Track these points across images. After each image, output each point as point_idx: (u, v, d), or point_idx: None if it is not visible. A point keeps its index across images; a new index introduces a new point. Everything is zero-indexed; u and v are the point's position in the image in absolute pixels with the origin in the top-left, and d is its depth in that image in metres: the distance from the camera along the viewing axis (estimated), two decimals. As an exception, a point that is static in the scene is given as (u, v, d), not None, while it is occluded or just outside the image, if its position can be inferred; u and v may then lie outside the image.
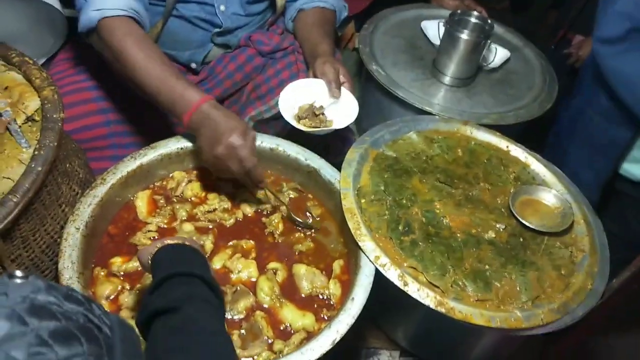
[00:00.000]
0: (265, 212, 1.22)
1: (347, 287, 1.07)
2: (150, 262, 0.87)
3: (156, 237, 1.13)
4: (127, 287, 1.04)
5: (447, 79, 1.54)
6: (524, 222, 1.16)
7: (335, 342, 0.91)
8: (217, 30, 1.46)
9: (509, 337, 1.14)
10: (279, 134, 1.61)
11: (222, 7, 1.44)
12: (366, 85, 1.69)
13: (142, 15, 1.22)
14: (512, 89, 1.58)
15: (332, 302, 1.07)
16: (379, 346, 1.30)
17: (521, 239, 1.15)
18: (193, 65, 1.50)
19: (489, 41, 1.48)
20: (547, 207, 1.22)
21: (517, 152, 1.35)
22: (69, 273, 0.95)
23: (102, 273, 1.06)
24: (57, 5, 1.56)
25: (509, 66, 1.67)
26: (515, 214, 1.18)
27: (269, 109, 1.56)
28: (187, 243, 0.90)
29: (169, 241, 0.89)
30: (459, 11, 1.52)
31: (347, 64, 1.93)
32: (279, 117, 1.58)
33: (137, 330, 0.78)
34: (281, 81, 1.52)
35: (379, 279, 1.01)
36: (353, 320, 0.95)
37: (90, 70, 1.44)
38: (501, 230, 1.16)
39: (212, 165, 1.13)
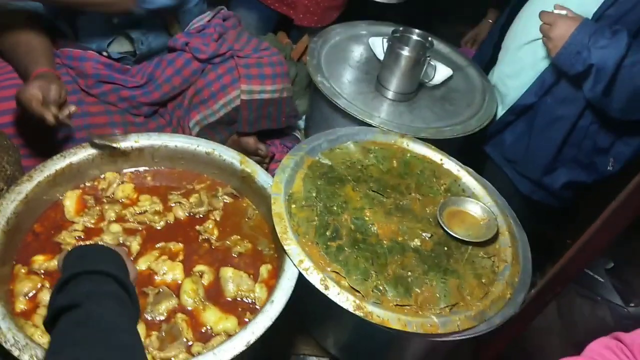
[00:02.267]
0: (198, 217, 1.22)
1: (273, 291, 1.08)
2: (62, 263, 0.85)
3: (82, 237, 1.12)
4: (47, 285, 1.03)
5: (389, 94, 1.59)
6: (449, 231, 1.20)
7: (250, 343, 0.91)
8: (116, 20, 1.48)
9: (436, 345, 1.16)
10: (225, 140, 1.63)
11: None
12: (313, 97, 1.72)
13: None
14: (452, 106, 1.63)
15: (257, 306, 1.08)
16: (309, 352, 1.31)
17: (445, 248, 1.19)
18: (104, 54, 1.50)
19: (428, 58, 1.53)
20: (473, 218, 1.26)
21: (450, 165, 1.39)
22: (-18, 268, 0.93)
23: (23, 270, 1.04)
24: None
25: (451, 84, 1.73)
26: (442, 224, 1.21)
27: (213, 114, 1.58)
28: (105, 245, 0.89)
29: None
30: (400, 28, 1.57)
31: (299, 75, 1.96)
32: (225, 122, 1.61)
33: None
34: (223, 86, 1.54)
35: (308, 286, 1.02)
36: (270, 322, 0.95)
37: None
38: (427, 238, 1.19)
39: (22, 100, 1.20)
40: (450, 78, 1.73)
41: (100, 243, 0.91)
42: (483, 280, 1.14)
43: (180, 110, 1.61)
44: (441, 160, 1.40)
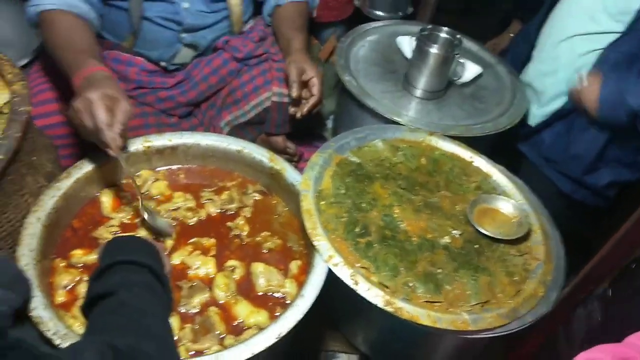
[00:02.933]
0: (229, 213, 1.25)
1: (303, 286, 1.09)
2: (101, 252, 0.89)
3: (118, 232, 1.16)
4: (85, 278, 1.06)
5: (417, 92, 1.58)
6: (479, 229, 1.19)
7: (281, 335, 0.93)
8: (182, 28, 1.51)
9: (466, 343, 1.15)
10: (254, 139, 1.65)
11: (186, 4, 1.48)
12: (341, 96, 1.73)
13: (80, 8, 1.28)
14: (481, 104, 1.61)
15: (287, 301, 1.09)
16: (338, 349, 1.31)
17: (476, 246, 1.18)
18: (163, 64, 1.54)
19: (457, 55, 1.52)
20: (504, 215, 1.24)
21: (480, 162, 1.38)
22: (25, 260, 0.97)
23: (62, 264, 1.08)
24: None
25: (481, 82, 1.71)
26: (472, 221, 1.20)
27: (244, 114, 1.60)
28: (142, 237, 0.93)
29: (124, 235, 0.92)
30: (429, 26, 1.57)
31: (327, 75, 1.98)
32: (254, 122, 1.63)
33: None
34: (255, 87, 1.57)
35: (337, 282, 1.03)
36: (301, 316, 0.96)
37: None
38: (457, 236, 1.19)
39: (71, 119, 1.11)
40: (479, 76, 1.71)
41: (137, 235, 0.94)
42: (515, 278, 1.12)
43: (212, 110, 1.64)
44: (471, 158, 1.39)
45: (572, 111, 1.48)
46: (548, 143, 1.57)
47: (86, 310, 0.79)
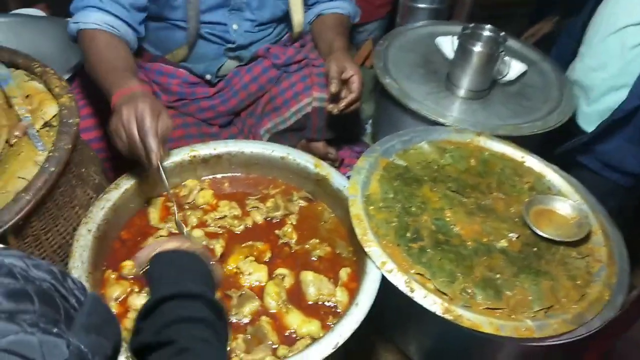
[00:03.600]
0: (275, 221, 1.23)
1: (354, 294, 1.06)
2: (145, 268, 0.80)
3: (167, 242, 1.15)
4: (136, 289, 1.05)
5: (461, 92, 1.54)
6: (537, 231, 1.14)
7: (338, 345, 0.90)
8: (230, 46, 1.51)
9: (529, 351, 1.09)
10: (294, 146, 1.63)
11: (235, 26, 1.49)
12: (380, 100, 1.70)
13: (119, 29, 1.28)
14: (528, 102, 1.56)
15: (338, 310, 1.06)
16: (391, 359, 1.27)
17: (535, 249, 1.12)
18: (208, 77, 1.54)
19: (502, 54, 1.47)
20: (562, 217, 1.19)
21: (533, 162, 1.33)
22: (77, 272, 0.97)
23: (113, 276, 1.07)
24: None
25: (526, 80, 1.66)
26: (529, 223, 1.15)
27: (284, 121, 1.59)
28: (186, 247, 0.82)
29: (168, 246, 0.81)
30: (471, 25, 1.52)
31: (364, 80, 1.95)
32: (294, 129, 1.62)
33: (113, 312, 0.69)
34: (295, 93, 1.55)
35: (390, 289, 1.00)
36: (357, 325, 0.93)
37: None
38: (514, 239, 1.13)
39: (111, 133, 1.07)
40: (524, 74, 1.66)
41: (180, 244, 0.84)
42: (578, 282, 1.07)
43: (252, 119, 1.63)
44: (522, 157, 1.33)
45: (631, 115, 1.40)
46: (611, 151, 1.49)
47: (134, 352, 0.71)
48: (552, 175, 1.30)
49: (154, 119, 1.02)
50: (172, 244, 0.83)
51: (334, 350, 0.89)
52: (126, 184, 1.15)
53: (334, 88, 1.33)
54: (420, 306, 0.97)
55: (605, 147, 1.48)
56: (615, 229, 1.20)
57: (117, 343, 0.51)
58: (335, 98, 1.38)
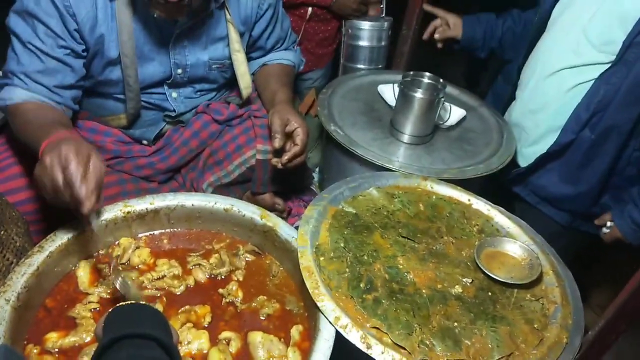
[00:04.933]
0: (219, 278, 1.14)
1: (308, 355, 0.98)
2: (102, 326, 0.78)
3: (98, 309, 1.04)
4: (62, 365, 0.93)
5: (405, 137, 1.55)
6: (491, 274, 1.11)
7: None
8: (169, 113, 1.47)
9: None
10: (239, 198, 1.56)
11: (174, 94, 1.45)
12: (327, 147, 1.69)
13: (48, 101, 1.22)
14: (470, 146, 1.58)
15: (291, 373, 0.98)
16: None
17: (490, 293, 1.10)
18: (144, 142, 1.48)
19: (442, 99, 1.50)
20: (513, 258, 1.17)
21: (479, 205, 1.33)
22: (-10, 351, 0.84)
23: (35, 350, 0.95)
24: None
25: (466, 124, 1.69)
26: (482, 267, 1.13)
27: (228, 174, 1.53)
28: (147, 304, 0.83)
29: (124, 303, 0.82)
30: (411, 72, 1.55)
31: (309, 128, 1.94)
32: (239, 181, 1.56)
33: None
34: (238, 146, 1.51)
35: (346, 346, 0.93)
36: (312, 389, 0.85)
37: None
38: (468, 284, 1.11)
39: (37, 180, 0.96)
40: (464, 119, 1.70)
41: (141, 302, 0.85)
42: (535, 326, 1.04)
43: (194, 172, 1.57)
44: (469, 200, 1.33)
45: (564, 149, 1.45)
46: (544, 184, 1.55)
47: None
48: (499, 217, 1.30)
49: (81, 162, 0.93)
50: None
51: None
52: (51, 246, 1.05)
53: (277, 143, 1.29)
54: (377, 362, 0.91)
55: (539, 181, 1.53)
56: (565, 268, 1.20)
57: None
58: (279, 151, 1.33)
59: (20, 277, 0.97)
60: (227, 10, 1.38)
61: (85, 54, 1.27)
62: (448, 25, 1.79)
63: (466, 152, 1.56)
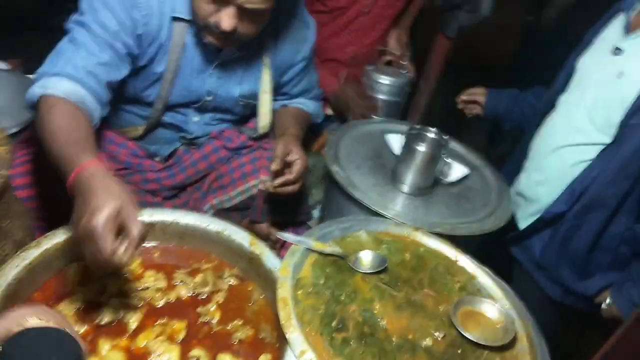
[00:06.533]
0: (200, 298, 1.18)
1: (271, 383, 1.01)
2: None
3: (81, 308, 1.09)
4: (35, 358, 0.97)
5: (405, 187, 1.59)
6: (463, 332, 1.13)
7: None
8: (186, 135, 1.55)
9: None
10: (237, 224, 1.62)
11: (196, 118, 1.54)
12: (329, 187, 1.73)
13: (87, 104, 1.20)
14: (468, 204, 1.62)
15: (253, 399, 1.00)
16: None
17: (459, 351, 1.11)
18: (157, 159, 1.56)
19: (443, 155, 1.55)
20: (489, 320, 1.18)
21: (465, 262, 1.34)
22: (-29, 333, 0.89)
23: (13, 341, 0.99)
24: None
25: (468, 183, 1.73)
26: (455, 324, 1.14)
27: (229, 199, 1.59)
28: (52, 324, 0.73)
29: (30, 323, 0.71)
30: (417, 126, 1.61)
31: (317, 166, 2.00)
32: (238, 208, 1.61)
33: None
34: (243, 174, 1.58)
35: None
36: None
37: None
38: (439, 338, 1.12)
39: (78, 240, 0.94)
40: (466, 177, 1.73)
41: (48, 325, 0.73)
42: (500, 389, 1.05)
43: (198, 193, 1.63)
44: (456, 257, 1.35)
45: (555, 219, 1.48)
46: (538, 249, 1.57)
47: None
48: (483, 277, 1.32)
49: (125, 220, 0.91)
50: (34, 321, 0.72)
51: None
52: (48, 243, 1.11)
53: (274, 166, 1.37)
54: (336, 402, 0.93)
55: (534, 246, 1.55)
56: (541, 338, 1.20)
57: None
58: (275, 176, 1.40)
59: (13, 269, 1.03)
60: (266, 53, 1.48)
61: (134, 62, 1.33)
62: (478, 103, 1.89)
63: (463, 209, 1.59)
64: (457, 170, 1.70)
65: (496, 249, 1.66)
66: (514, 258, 1.65)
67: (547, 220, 1.50)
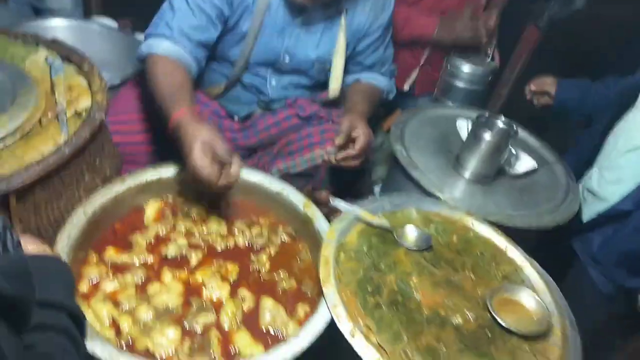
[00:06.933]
0: (255, 248, 1.30)
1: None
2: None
3: (152, 242, 1.25)
4: (111, 275, 1.15)
5: (466, 173, 1.60)
6: (496, 317, 1.15)
7: (265, 369, 0.94)
8: (263, 98, 1.66)
9: None
10: (300, 189, 1.73)
11: (274, 82, 1.65)
12: (391, 164, 1.78)
13: (184, 61, 1.40)
14: (530, 197, 1.59)
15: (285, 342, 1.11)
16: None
17: (489, 333, 1.14)
18: (235, 118, 1.69)
19: (509, 145, 1.54)
20: (526, 310, 1.20)
21: (515, 254, 1.35)
22: (62, 245, 1.08)
23: (95, 259, 1.17)
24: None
25: (535, 177, 1.70)
26: (490, 307, 1.17)
27: (295, 166, 1.69)
28: (44, 250, 0.79)
29: (31, 248, 0.77)
30: (487, 114, 1.60)
31: (385, 144, 2.05)
32: (303, 174, 1.71)
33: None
34: (310, 143, 1.66)
35: (340, 335, 1.03)
36: (291, 356, 0.98)
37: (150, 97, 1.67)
38: (471, 319, 1.16)
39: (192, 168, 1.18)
40: (534, 171, 1.70)
41: (47, 252, 0.80)
42: (522, 375, 1.07)
43: (268, 157, 1.75)
44: (506, 247, 1.36)
45: (620, 216, 1.43)
46: (597, 243, 1.52)
47: None
48: (529, 269, 1.32)
49: (204, 164, 1.14)
50: (30, 247, 0.79)
51: (261, 372, 0.94)
52: (131, 181, 1.28)
53: (338, 140, 1.44)
54: (357, 355, 1.01)
55: (593, 240, 1.51)
56: (577, 337, 1.20)
57: (23, 298, 0.52)
58: (339, 150, 1.48)
59: (100, 198, 1.20)
60: (344, 17, 1.55)
61: (225, 22, 1.48)
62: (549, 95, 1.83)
63: (524, 202, 1.58)
64: (524, 163, 1.68)
65: (558, 240, 1.63)
66: (574, 253, 1.61)
67: (611, 217, 1.45)
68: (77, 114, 1.20)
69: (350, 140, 1.47)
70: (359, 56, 1.71)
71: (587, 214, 1.59)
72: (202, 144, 1.15)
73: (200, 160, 1.14)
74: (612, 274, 1.48)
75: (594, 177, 1.63)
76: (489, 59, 2.21)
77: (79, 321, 0.72)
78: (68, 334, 0.68)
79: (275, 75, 1.65)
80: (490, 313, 1.17)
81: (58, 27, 2.02)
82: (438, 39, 2.10)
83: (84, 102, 1.21)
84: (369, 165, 1.77)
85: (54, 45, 1.39)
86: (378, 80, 1.76)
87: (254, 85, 1.66)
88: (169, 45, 1.39)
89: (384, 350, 1.03)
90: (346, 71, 1.73)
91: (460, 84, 2.20)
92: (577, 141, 1.86)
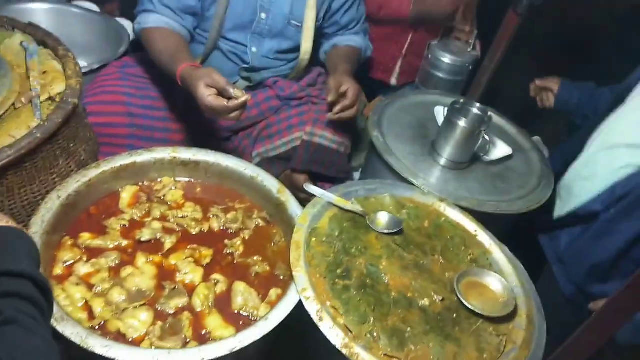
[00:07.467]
0: (229, 232, 1.33)
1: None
2: None
3: (126, 225, 1.26)
4: (85, 259, 1.16)
5: (441, 160, 1.62)
6: (462, 299, 1.19)
7: (234, 350, 0.97)
8: (245, 66, 1.68)
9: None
10: (279, 173, 1.75)
11: (254, 49, 1.67)
12: (370, 151, 1.80)
13: (174, 27, 1.57)
14: (503, 184, 1.62)
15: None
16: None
17: (454, 315, 1.17)
18: None
19: (483, 132, 1.56)
20: (492, 293, 1.23)
21: (484, 238, 1.38)
22: (35, 228, 1.09)
23: (69, 242, 1.19)
24: (126, 24, 1.85)
25: (510, 164, 1.73)
26: (456, 290, 1.20)
27: (274, 148, 1.72)
28: (7, 223, 0.82)
29: None
30: (461, 100, 1.62)
31: (365, 131, 2.06)
32: (282, 157, 1.73)
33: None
34: (290, 126, 1.69)
35: (308, 317, 1.06)
36: (259, 337, 1.01)
37: (131, 79, 1.68)
38: (438, 301, 1.19)
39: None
40: (509, 157, 1.73)
41: (10, 224, 0.82)
42: (485, 356, 1.11)
43: (248, 140, 1.77)
44: (475, 231, 1.40)
45: (588, 217, 1.45)
46: (564, 242, 1.54)
47: None
48: (498, 254, 1.35)
49: (212, 101, 1.32)
50: None
51: (229, 353, 0.97)
52: (106, 166, 1.29)
53: (330, 97, 1.53)
54: (324, 337, 1.04)
55: (561, 238, 1.53)
56: (543, 320, 1.23)
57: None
58: (332, 108, 1.57)
59: (74, 183, 1.22)
60: None
61: None
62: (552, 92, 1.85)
63: (496, 188, 1.61)
64: (499, 150, 1.71)
65: (530, 237, 1.66)
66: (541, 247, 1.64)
67: (580, 217, 1.47)
68: (51, 99, 1.20)
69: (340, 96, 1.55)
70: (335, 15, 1.78)
71: (558, 212, 1.61)
72: (204, 82, 1.33)
73: (207, 95, 1.32)
74: (575, 276, 1.50)
75: (571, 172, 1.65)
76: (470, 49, 2.22)
77: (45, 289, 0.74)
78: (32, 300, 0.71)
79: (255, 41, 1.67)
80: (457, 296, 1.20)
81: (38, 9, 2.01)
82: (415, 15, 2.12)
83: (58, 87, 1.22)
84: (349, 149, 1.79)
85: (30, 29, 1.39)
86: (354, 40, 1.84)
87: (235, 52, 1.68)
88: (155, 18, 1.56)
89: (350, 331, 1.06)
90: (323, 35, 1.81)
91: (440, 74, 2.21)
92: (567, 141, 1.87)
